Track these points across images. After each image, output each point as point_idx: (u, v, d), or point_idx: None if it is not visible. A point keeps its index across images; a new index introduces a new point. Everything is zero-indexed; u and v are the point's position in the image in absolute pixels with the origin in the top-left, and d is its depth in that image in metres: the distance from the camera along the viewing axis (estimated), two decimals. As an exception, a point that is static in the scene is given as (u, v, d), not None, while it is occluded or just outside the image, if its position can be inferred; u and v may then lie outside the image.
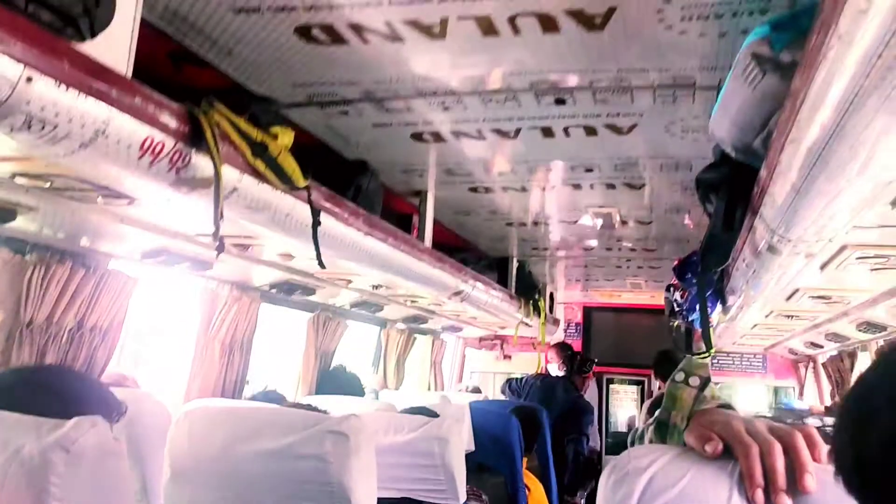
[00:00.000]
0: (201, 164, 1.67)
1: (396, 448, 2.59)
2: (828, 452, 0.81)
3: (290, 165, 1.98)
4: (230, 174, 1.81)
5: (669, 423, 1.03)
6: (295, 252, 2.69)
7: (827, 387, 5.74)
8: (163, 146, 1.47)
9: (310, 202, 2.15)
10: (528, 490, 3.51)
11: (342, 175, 2.71)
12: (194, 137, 1.58)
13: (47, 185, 1.70)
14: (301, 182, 2.02)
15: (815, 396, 6.14)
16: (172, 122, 1.50)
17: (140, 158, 1.44)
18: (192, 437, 1.88)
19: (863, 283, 2.76)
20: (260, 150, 1.85)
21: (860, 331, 3.91)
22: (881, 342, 4.18)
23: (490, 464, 3.43)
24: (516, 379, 6.03)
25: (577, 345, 7.35)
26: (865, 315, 3.45)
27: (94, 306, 2.34)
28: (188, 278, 3.11)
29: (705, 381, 1.03)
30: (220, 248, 1.83)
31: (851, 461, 0.57)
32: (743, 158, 1.84)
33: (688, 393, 1.02)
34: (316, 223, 2.17)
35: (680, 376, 1.04)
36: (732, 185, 2.07)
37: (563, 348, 6.05)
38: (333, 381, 3.77)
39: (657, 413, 1.08)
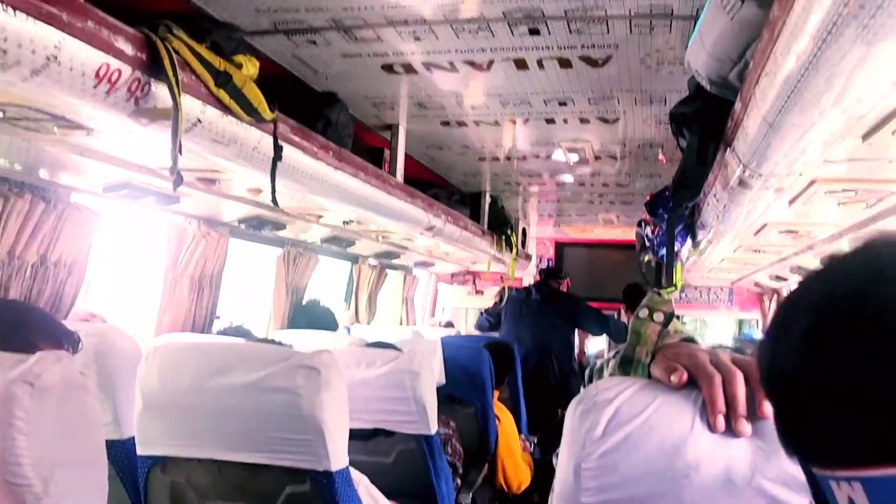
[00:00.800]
0: (161, 93, 1.61)
1: (369, 381, 2.61)
2: None
3: (256, 97, 1.93)
4: (192, 105, 1.75)
5: (633, 358, 1.04)
6: (264, 187, 2.64)
7: (790, 318, 5.86)
8: (119, 74, 1.42)
9: (275, 136, 2.10)
10: (499, 420, 3.58)
11: (310, 107, 2.64)
12: (153, 65, 1.52)
13: (0, 114, 1.64)
14: (268, 114, 1.97)
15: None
16: (129, 49, 1.44)
17: (96, 87, 1.38)
18: (163, 372, 1.87)
19: (829, 217, 2.79)
20: (223, 79, 1.79)
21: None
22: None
23: (462, 396, 3.49)
24: (487, 310, 6.14)
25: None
26: (830, 248, 3.51)
27: (57, 241, 2.29)
28: (155, 213, 3.05)
29: (669, 317, 1.04)
30: (178, 182, 1.79)
31: (766, 372, 0.58)
32: (718, 91, 1.82)
33: (651, 328, 1.03)
34: (277, 158, 2.12)
35: (644, 312, 1.04)
36: (706, 120, 2.06)
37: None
38: (307, 315, 3.77)
39: (622, 348, 1.08)
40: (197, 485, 1.95)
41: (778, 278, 5.36)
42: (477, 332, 6.08)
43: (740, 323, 7.21)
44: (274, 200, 2.21)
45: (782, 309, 0.58)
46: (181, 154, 1.66)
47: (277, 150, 2.12)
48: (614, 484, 0.82)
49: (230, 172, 2.40)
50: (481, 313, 6.24)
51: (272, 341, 2.26)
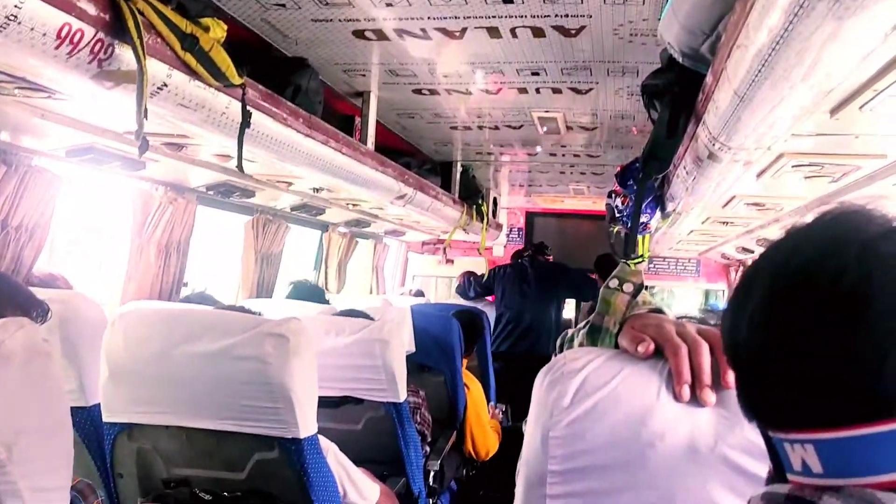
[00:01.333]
0: (126, 56, 1.57)
1: (338, 350, 2.62)
2: None
3: (224, 61, 1.89)
4: (157, 68, 1.71)
5: (602, 328, 1.05)
6: (233, 153, 2.60)
7: (755, 290, 5.97)
8: (82, 35, 1.38)
9: (243, 101, 2.07)
10: (467, 389, 3.60)
11: (280, 73, 2.60)
12: (117, 27, 1.48)
13: (-41, 75, 1.59)
14: (236, 79, 1.93)
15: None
16: (91, 9, 1.40)
17: (57, 48, 1.34)
18: (129, 339, 1.85)
19: (795, 190, 2.83)
20: (190, 43, 1.74)
21: (790, 237, 4.04)
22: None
23: (431, 364, 3.51)
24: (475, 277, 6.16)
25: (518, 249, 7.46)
26: (795, 221, 3.55)
27: (18, 204, 2.24)
28: (121, 178, 2.99)
29: (638, 288, 1.05)
30: (144, 148, 1.75)
31: (728, 339, 0.60)
32: (690, 64, 1.83)
33: (621, 299, 1.04)
34: (245, 124, 2.09)
35: (614, 283, 1.05)
36: (678, 92, 2.07)
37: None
38: (299, 294, 3.73)
39: (591, 317, 1.09)
40: (164, 451, 1.95)
41: (744, 250, 5.44)
42: (451, 301, 6.09)
43: (707, 293, 7.31)
44: (240, 167, 2.18)
45: (743, 278, 0.60)
46: (147, 119, 1.63)
47: (246, 116, 2.09)
48: (581, 452, 0.84)
49: (198, 138, 2.36)
50: (468, 278, 6.23)
51: (241, 309, 2.25)
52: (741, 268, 6.46)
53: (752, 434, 0.79)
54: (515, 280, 5.77)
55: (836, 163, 2.15)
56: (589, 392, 0.84)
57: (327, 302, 3.64)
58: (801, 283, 0.53)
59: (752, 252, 5.36)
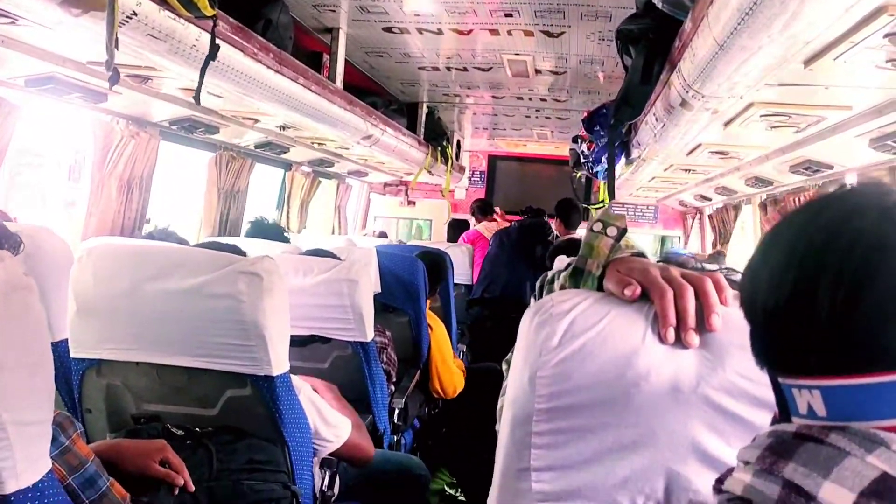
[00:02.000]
0: (96, -19, 1.52)
1: (306, 289, 2.62)
2: (735, 296, 0.88)
3: (196, -10, 1.83)
4: (128, -4, 1.65)
5: (585, 270, 1.06)
6: (198, 87, 2.55)
7: (710, 236, 6.13)
8: (53, -42, 1.32)
9: (213, 33, 2.01)
10: (431, 329, 3.64)
11: (250, 5, 2.52)
12: (88, -50, 1.42)
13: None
14: (208, 10, 1.87)
15: (698, 245, 6.57)
16: (63, -69, 1.34)
17: (27, -29, 1.29)
18: (98, 275, 1.82)
19: (759, 140, 2.89)
20: (162, -30, 1.68)
21: (748, 185, 4.14)
22: (763, 196, 4.46)
23: (396, 305, 3.53)
24: None
25: (480, 192, 7.48)
26: (755, 171, 3.65)
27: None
28: (82, 111, 2.91)
29: (622, 232, 1.06)
30: (115, 80, 1.70)
31: (747, 293, 0.65)
32: (670, 10, 1.83)
33: (604, 242, 1.05)
34: (211, 56, 2.04)
35: (598, 226, 1.07)
36: (654, 38, 2.07)
37: (475, 203, 6.56)
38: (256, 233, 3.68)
39: (573, 260, 1.11)
40: (134, 388, 1.95)
41: (702, 198, 5.55)
42: (412, 242, 6.10)
43: (663, 240, 7.45)
44: (197, 99, 2.13)
45: (767, 237, 0.65)
46: (118, 49, 1.58)
47: (213, 48, 2.03)
48: (568, 391, 0.86)
49: (165, 70, 2.29)
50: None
51: (213, 244, 2.21)
52: (697, 215, 6.59)
53: (733, 375, 0.83)
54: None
55: (803, 113, 2.19)
56: (577, 333, 0.86)
57: (287, 240, 3.63)
58: (821, 242, 0.58)
59: (710, 199, 5.47)
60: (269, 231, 3.46)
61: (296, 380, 1.97)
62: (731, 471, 0.64)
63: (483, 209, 6.52)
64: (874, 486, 0.52)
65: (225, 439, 1.83)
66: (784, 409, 0.63)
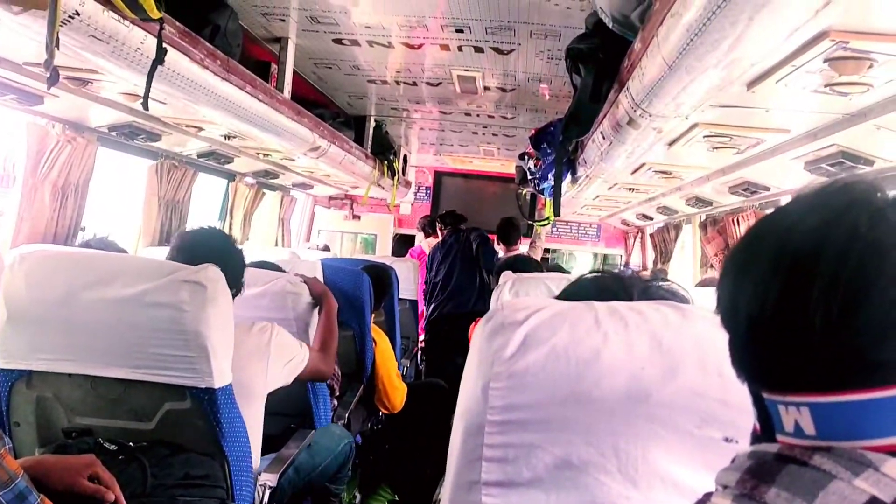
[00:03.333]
0: (37, -22, 1.47)
1: (249, 301, 2.56)
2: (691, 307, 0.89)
3: (142, -9, 1.78)
4: (71, -6, 1.60)
5: None
6: (142, 92, 2.48)
7: (651, 255, 6.25)
8: (-7, -49, 1.27)
9: (159, 37, 1.97)
10: (375, 343, 3.61)
11: (198, 11, 2.47)
12: (31, -55, 1.37)
13: None
14: (154, 12, 1.83)
15: (639, 264, 6.70)
16: (4, -76, 1.29)
17: (-35, -37, 1.23)
18: (30, 282, 1.75)
19: (701, 160, 2.97)
20: (107, -32, 1.64)
21: (688, 205, 4.25)
22: (703, 216, 4.58)
23: (341, 318, 3.48)
24: None
25: (426, 207, 7.49)
26: (696, 191, 3.75)
27: None
28: (15, 113, 2.80)
29: None
30: (54, 80, 1.64)
31: (728, 305, 0.61)
32: (619, 30, 1.86)
33: None
34: (158, 61, 1.99)
35: None
36: (603, 57, 2.10)
37: (424, 219, 6.58)
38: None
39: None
40: (66, 400, 1.87)
41: (644, 217, 5.67)
42: (356, 256, 6.06)
43: (605, 258, 7.57)
44: (145, 105, 2.08)
45: (745, 242, 0.61)
46: (58, 49, 1.52)
47: (160, 52, 1.98)
48: (521, 404, 0.85)
49: (107, 74, 2.23)
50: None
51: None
52: (639, 234, 6.72)
53: (684, 391, 0.83)
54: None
55: (744, 135, 2.26)
56: (531, 345, 0.85)
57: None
58: (812, 247, 0.53)
59: (652, 219, 5.59)
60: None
61: (266, 324, 2.11)
62: (708, 496, 0.59)
63: (432, 225, 6.52)
64: None
65: (160, 454, 1.77)
66: (767, 426, 0.58)
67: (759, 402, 0.59)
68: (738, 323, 0.59)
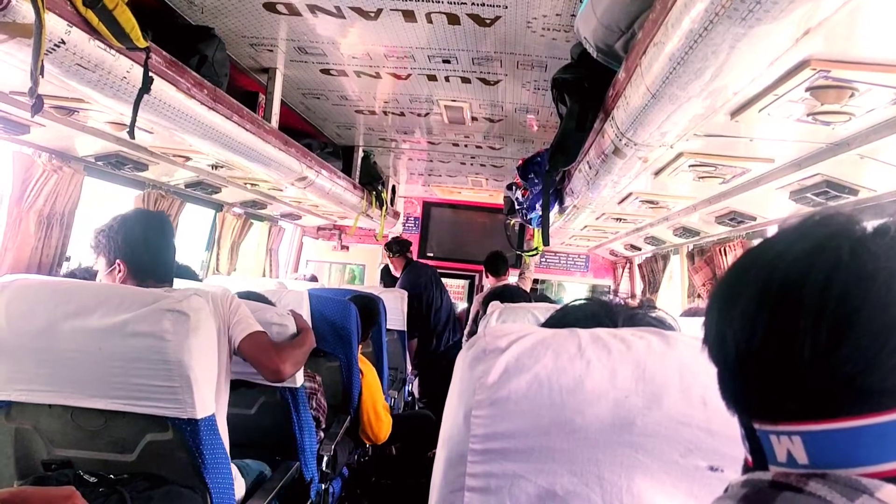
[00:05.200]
0: (22, 8, 1.46)
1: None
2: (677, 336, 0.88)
3: (129, 21, 1.79)
4: (55, 23, 1.60)
5: None
6: (128, 121, 2.48)
7: (640, 285, 6.26)
8: (-23, -21, 1.27)
9: (146, 66, 1.97)
10: (362, 374, 3.58)
11: (185, 41, 2.48)
12: (16, -27, 1.38)
13: None
14: (141, 41, 1.83)
15: (627, 291, 6.71)
16: (-11, -48, 1.29)
17: (-52, -9, 1.23)
18: (10, 311, 1.73)
19: (687, 190, 2.98)
20: (93, -2, 1.64)
21: (675, 235, 4.27)
22: (691, 246, 4.59)
23: (327, 349, 3.46)
24: None
25: (414, 238, 7.50)
26: (683, 221, 3.76)
27: None
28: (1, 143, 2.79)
29: None
30: (38, 108, 1.63)
31: (715, 336, 0.61)
32: (603, 59, 1.88)
33: None
34: (144, 89, 1.99)
35: None
36: (588, 87, 2.12)
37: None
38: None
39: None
40: (46, 432, 1.84)
41: (632, 247, 5.69)
42: (345, 286, 6.06)
43: (593, 288, 7.58)
44: (131, 133, 2.07)
45: (732, 274, 0.61)
46: (43, 77, 1.52)
47: (147, 81, 1.98)
48: (503, 432, 0.84)
49: (93, 103, 2.23)
50: None
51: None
52: (627, 265, 6.74)
53: (667, 420, 0.82)
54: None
55: (729, 164, 2.27)
56: (512, 373, 0.84)
57: (199, 280, 3.52)
58: (797, 278, 0.54)
59: (640, 249, 5.60)
60: (181, 271, 3.37)
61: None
62: None
63: (389, 248, 6.65)
64: None
65: (141, 486, 1.74)
66: (759, 457, 0.58)
67: (750, 434, 0.59)
68: (727, 355, 0.59)
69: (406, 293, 5.44)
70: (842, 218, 0.57)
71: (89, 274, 2.86)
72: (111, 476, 1.78)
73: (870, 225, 0.56)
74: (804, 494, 0.51)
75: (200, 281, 3.34)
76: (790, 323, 0.53)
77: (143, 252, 2.08)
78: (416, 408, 5.66)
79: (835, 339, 0.51)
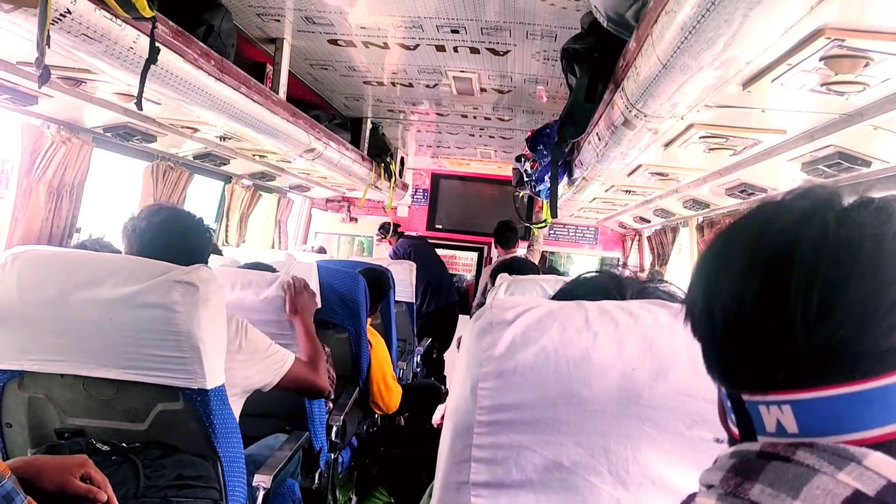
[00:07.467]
0: (28, -24, 1.46)
1: (244, 303, 2.55)
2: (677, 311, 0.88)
3: (135, -10, 1.77)
4: (62, -8, 1.60)
5: None
6: (135, 92, 2.47)
7: (649, 257, 6.25)
8: (-18, -53, 1.26)
9: (152, 36, 1.95)
10: (371, 345, 3.60)
11: (191, 11, 2.46)
12: (20, -58, 1.37)
13: None
14: (147, 11, 1.81)
15: (636, 264, 6.70)
16: (-7, -80, 1.28)
17: (-47, -41, 1.22)
18: (22, 282, 1.74)
19: (697, 162, 2.96)
20: (99, -33, 1.63)
21: (685, 207, 4.24)
22: (700, 219, 4.57)
23: (336, 321, 3.47)
24: None
25: (423, 210, 7.50)
26: (692, 193, 3.74)
27: None
28: (10, 114, 2.80)
29: None
30: (45, 79, 1.63)
31: (701, 306, 0.62)
32: (614, 29, 1.86)
33: None
34: (151, 60, 1.98)
35: None
36: (598, 57, 2.10)
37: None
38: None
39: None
40: (58, 401, 1.86)
41: (641, 220, 5.66)
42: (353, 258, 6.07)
43: (602, 261, 7.57)
44: (139, 104, 2.06)
45: (717, 246, 0.62)
46: (49, 47, 1.51)
47: (153, 52, 1.97)
48: (510, 405, 0.84)
49: (100, 73, 2.22)
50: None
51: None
52: (636, 237, 6.72)
53: (673, 392, 0.82)
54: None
55: (741, 136, 2.25)
56: (519, 345, 0.84)
57: (220, 253, 3.54)
58: (786, 246, 0.55)
59: (649, 221, 5.58)
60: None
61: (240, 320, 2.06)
62: (692, 496, 0.59)
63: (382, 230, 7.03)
64: None
65: (153, 454, 1.76)
66: (746, 429, 0.59)
67: (737, 406, 0.60)
68: (715, 328, 0.60)
69: (414, 265, 5.45)
70: (824, 191, 0.58)
71: (100, 245, 2.88)
72: (123, 444, 1.80)
73: (851, 199, 0.57)
74: (792, 464, 0.52)
75: (220, 254, 3.35)
76: (781, 292, 0.54)
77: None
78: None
79: (826, 305, 0.52)
